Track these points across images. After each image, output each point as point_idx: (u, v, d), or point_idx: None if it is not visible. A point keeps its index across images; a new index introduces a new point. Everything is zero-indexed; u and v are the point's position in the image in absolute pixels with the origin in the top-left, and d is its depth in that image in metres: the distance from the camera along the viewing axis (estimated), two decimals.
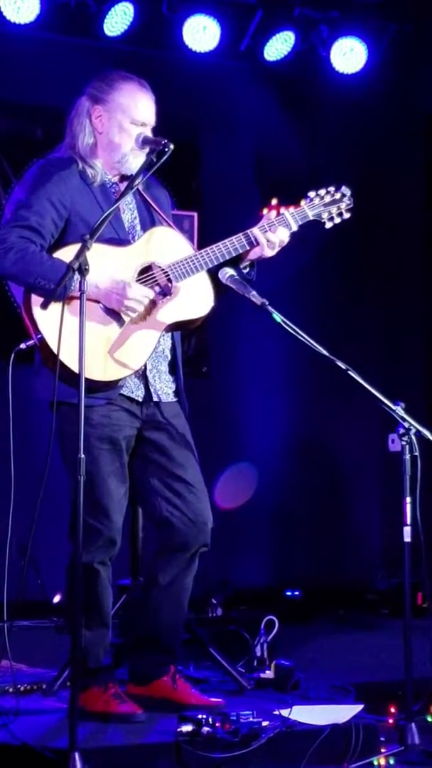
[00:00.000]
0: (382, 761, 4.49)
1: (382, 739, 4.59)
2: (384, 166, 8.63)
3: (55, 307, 4.30)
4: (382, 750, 4.53)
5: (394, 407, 4.61)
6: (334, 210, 4.88)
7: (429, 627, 4.82)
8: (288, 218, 4.80)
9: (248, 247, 4.73)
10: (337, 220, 4.89)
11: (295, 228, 4.81)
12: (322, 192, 4.89)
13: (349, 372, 4.54)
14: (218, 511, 7.21)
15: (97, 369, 4.47)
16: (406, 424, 4.60)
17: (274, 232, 4.75)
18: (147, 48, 7.94)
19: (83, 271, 4.18)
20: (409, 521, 4.61)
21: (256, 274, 4.81)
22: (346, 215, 4.90)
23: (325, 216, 4.87)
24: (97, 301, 4.51)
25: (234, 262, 4.74)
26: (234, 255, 4.70)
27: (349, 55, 8.27)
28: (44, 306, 4.29)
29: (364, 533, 8.56)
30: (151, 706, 4.61)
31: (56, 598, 7.17)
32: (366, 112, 8.53)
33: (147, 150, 4.57)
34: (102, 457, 4.58)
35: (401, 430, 4.62)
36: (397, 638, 4.67)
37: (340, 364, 4.53)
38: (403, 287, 8.54)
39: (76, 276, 4.23)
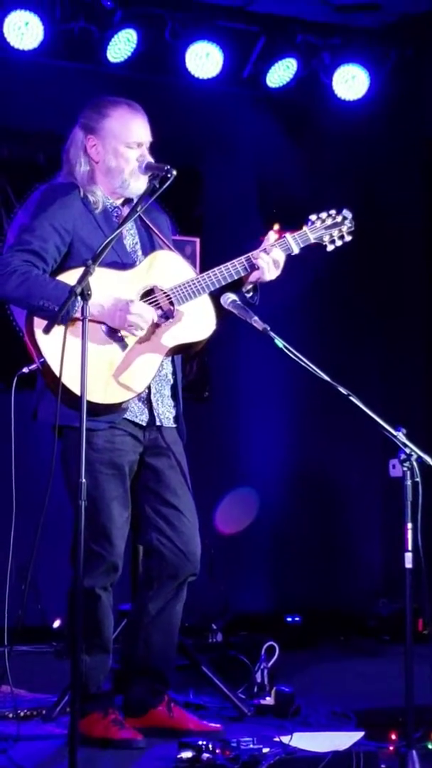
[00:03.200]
0: None
1: (383, 766, 4.57)
2: (385, 191, 8.65)
3: (57, 330, 4.30)
4: None
5: (395, 433, 4.60)
6: (335, 233, 4.90)
7: (430, 653, 4.80)
8: (290, 241, 4.83)
9: (249, 270, 4.74)
10: (339, 243, 4.92)
11: (296, 251, 4.84)
12: (324, 215, 4.91)
13: (351, 397, 4.54)
14: (219, 536, 7.23)
15: (100, 392, 4.48)
16: (407, 450, 4.59)
17: (271, 254, 4.74)
18: (150, 74, 7.98)
19: (86, 296, 4.19)
20: (410, 547, 4.60)
21: (259, 298, 4.82)
22: (348, 238, 4.93)
23: (326, 239, 4.90)
24: (101, 323, 4.51)
25: (237, 285, 4.75)
26: (235, 278, 4.72)
27: (351, 81, 8.29)
28: (47, 330, 4.29)
29: (365, 559, 8.54)
30: (149, 736, 4.60)
31: (56, 623, 7.16)
32: (367, 139, 8.55)
33: (149, 174, 4.58)
34: (106, 483, 4.58)
35: (402, 456, 4.60)
36: (398, 664, 4.65)
37: (341, 389, 4.53)
38: (403, 312, 8.54)
39: (79, 300, 4.23)
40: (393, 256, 8.60)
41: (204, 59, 7.91)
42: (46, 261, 4.57)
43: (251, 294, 4.82)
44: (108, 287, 4.53)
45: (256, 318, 4.65)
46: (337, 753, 4.46)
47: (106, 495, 4.58)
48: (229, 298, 4.69)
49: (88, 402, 4.21)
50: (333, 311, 8.57)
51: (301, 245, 4.86)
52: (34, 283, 4.46)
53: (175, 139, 4.97)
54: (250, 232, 8.00)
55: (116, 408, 4.55)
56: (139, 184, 4.69)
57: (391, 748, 4.74)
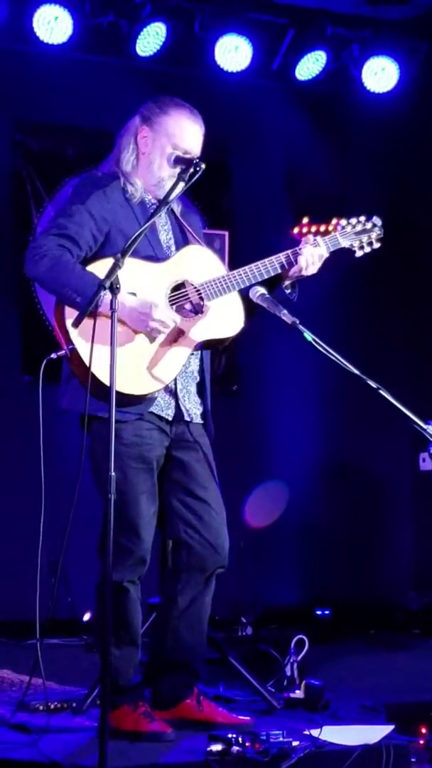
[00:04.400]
0: None
1: (413, 759, 4.57)
2: (415, 184, 8.63)
3: (87, 319, 4.31)
4: None
5: (425, 426, 4.59)
6: (364, 239, 4.94)
7: None
8: (321, 243, 4.85)
9: (281, 270, 4.75)
10: (367, 249, 4.96)
11: (326, 253, 4.85)
12: (354, 221, 4.95)
13: (380, 391, 4.53)
14: (248, 530, 7.23)
15: (126, 382, 4.47)
16: None
17: (316, 249, 4.81)
18: (179, 68, 7.98)
19: (114, 290, 4.18)
20: None
21: (297, 295, 4.81)
22: (376, 245, 4.96)
23: (356, 244, 4.94)
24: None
25: (274, 283, 4.75)
26: (266, 277, 4.72)
27: (380, 74, 8.28)
28: (76, 324, 4.30)
29: (395, 552, 8.53)
30: (179, 729, 4.61)
31: (86, 617, 7.17)
32: (397, 131, 8.53)
33: (179, 170, 4.58)
34: (135, 477, 4.59)
35: None
36: (428, 658, 4.65)
37: (370, 383, 4.52)
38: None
39: (108, 293, 4.23)
40: (423, 249, 8.58)
41: (233, 52, 7.91)
42: (80, 246, 4.56)
43: (290, 291, 4.82)
44: (139, 278, 4.54)
45: (285, 311, 4.65)
46: (367, 747, 4.45)
47: (134, 489, 4.58)
48: (257, 292, 4.69)
49: (116, 393, 4.21)
50: (362, 305, 8.56)
51: (332, 249, 4.89)
52: (63, 270, 4.46)
53: (203, 132, 4.95)
54: (278, 224, 8.00)
55: (143, 399, 4.55)
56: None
57: (422, 742, 4.73)
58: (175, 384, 4.66)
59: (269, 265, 4.72)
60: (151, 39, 7.74)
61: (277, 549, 8.11)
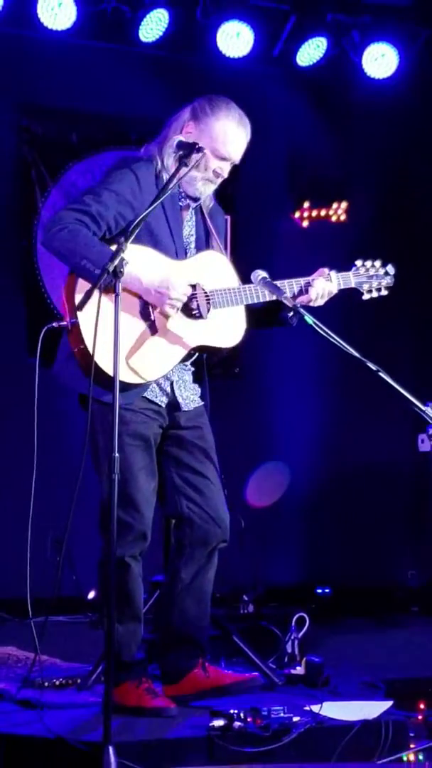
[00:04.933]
0: (412, 757, 4.48)
1: (412, 734, 4.59)
2: (413, 168, 8.62)
3: (94, 299, 4.30)
4: (412, 746, 4.53)
5: (424, 408, 4.59)
6: (374, 284, 4.89)
7: None
8: (333, 278, 4.80)
9: (290, 294, 4.72)
10: (375, 294, 4.91)
11: (335, 290, 4.81)
12: (368, 263, 4.90)
13: (380, 373, 4.53)
14: (250, 509, 7.24)
15: (126, 370, 4.50)
16: None
17: (327, 284, 4.76)
18: (181, 54, 7.97)
19: (118, 273, 4.19)
20: None
21: (297, 321, 4.79)
22: (384, 293, 4.92)
23: (365, 287, 4.89)
24: (138, 296, 4.51)
25: (279, 306, 4.74)
26: (275, 298, 4.68)
27: (380, 60, 8.26)
28: (81, 306, 4.29)
29: (395, 531, 8.54)
30: (192, 702, 4.63)
31: (91, 594, 7.19)
32: (397, 117, 8.52)
33: (180, 152, 4.53)
34: (133, 454, 4.60)
35: (431, 431, 4.61)
36: (427, 635, 4.67)
37: (370, 365, 4.52)
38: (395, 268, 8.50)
39: (127, 268, 4.24)
40: (424, 233, 8.57)
41: (235, 38, 7.90)
42: (99, 226, 4.54)
43: (291, 315, 4.79)
44: (155, 271, 4.54)
45: (286, 294, 4.66)
46: (367, 722, 4.46)
47: (133, 465, 4.59)
48: (259, 276, 4.68)
49: (106, 375, 4.29)
50: None
51: (342, 286, 4.84)
52: (80, 242, 4.44)
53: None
54: (280, 208, 8.01)
55: (132, 387, 4.57)
56: (205, 189, 4.70)
57: (420, 717, 4.76)
58: (172, 374, 4.68)
59: (288, 288, 4.71)
60: (153, 25, 7.73)
61: (278, 528, 8.12)
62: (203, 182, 4.68)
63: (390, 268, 4.92)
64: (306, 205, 8.41)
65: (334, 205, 8.55)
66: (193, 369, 4.77)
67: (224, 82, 7.82)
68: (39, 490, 4.60)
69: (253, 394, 8.24)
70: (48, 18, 7.47)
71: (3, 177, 7.87)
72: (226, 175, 4.72)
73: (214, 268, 4.70)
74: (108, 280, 4.21)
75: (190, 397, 4.76)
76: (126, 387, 4.52)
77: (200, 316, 4.62)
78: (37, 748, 4.19)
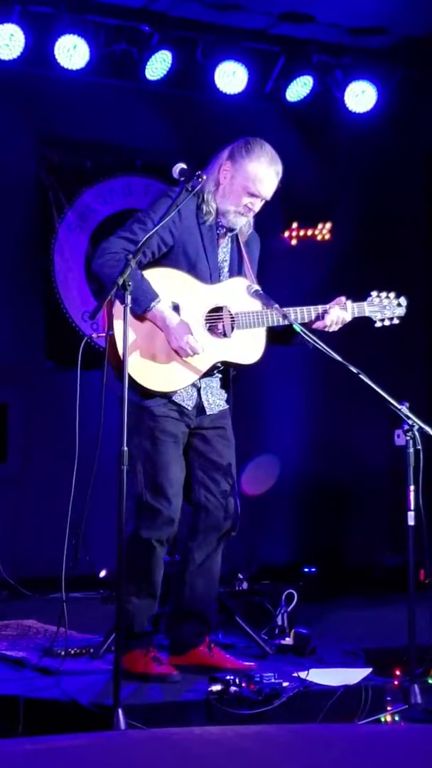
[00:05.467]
0: (388, 718, 4.49)
1: (389, 698, 4.59)
2: (391, 192, 8.62)
3: (132, 317, 4.42)
4: (389, 708, 4.53)
5: (399, 406, 4.61)
6: (387, 313, 4.85)
7: (430, 600, 4.81)
8: (348, 307, 4.78)
9: (313, 320, 4.72)
10: (387, 323, 4.86)
11: (349, 318, 4.78)
12: (383, 294, 4.85)
13: (360, 375, 4.54)
14: (245, 497, 7.22)
15: (154, 380, 4.56)
16: (410, 422, 4.60)
17: (342, 313, 4.74)
18: (183, 90, 7.97)
19: (126, 287, 4.21)
20: (412, 507, 4.61)
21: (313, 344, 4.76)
22: (396, 321, 4.86)
23: (377, 316, 4.84)
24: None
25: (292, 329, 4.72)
26: (298, 322, 4.68)
27: (360, 96, 8.26)
28: (92, 316, 4.33)
29: (374, 517, 8.54)
30: (192, 673, 4.62)
31: (102, 573, 7.19)
32: (375, 147, 8.52)
33: (182, 178, 4.53)
34: (165, 447, 4.61)
35: (406, 427, 4.62)
36: (401, 610, 4.66)
37: (352, 368, 4.53)
38: (408, 302, 8.50)
39: (157, 303, 4.43)
40: (397, 248, 8.57)
41: (231, 77, 7.90)
42: (144, 254, 4.55)
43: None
44: (187, 293, 4.59)
45: (277, 306, 4.65)
46: (349, 687, 4.47)
47: (165, 458, 4.61)
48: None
49: (140, 386, 4.46)
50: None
51: (356, 315, 4.80)
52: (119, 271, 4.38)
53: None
54: (272, 229, 8.00)
55: (162, 395, 4.60)
56: (238, 221, 4.71)
57: (396, 682, 4.76)
58: (199, 381, 4.70)
59: (299, 314, 4.70)
60: (158, 65, 7.73)
61: (270, 514, 8.12)
62: (235, 215, 4.69)
63: (402, 300, 4.87)
64: (294, 225, 8.42)
65: (320, 226, 8.55)
66: (220, 376, 4.79)
67: (221, 115, 7.86)
68: (60, 481, 4.61)
69: (248, 394, 8.22)
70: (64, 59, 7.47)
71: (24, 200, 7.87)
72: (256, 209, 4.72)
73: (241, 292, 4.70)
74: (119, 294, 4.24)
75: (216, 401, 4.77)
76: (156, 394, 4.59)
77: (225, 335, 4.63)
78: (55, 710, 4.19)
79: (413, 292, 4.96)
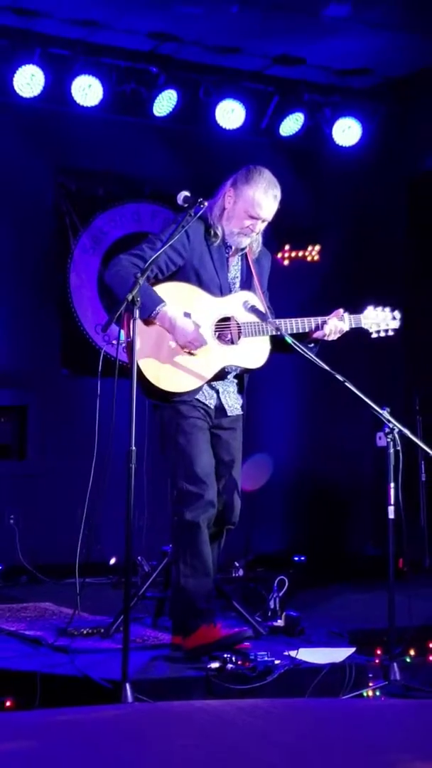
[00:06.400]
0: (370, 693, 4.48)
1: (370, 675, 4.57)
2: (374, 218, 8.62)
3: (146, 326, 4.50)
4: (370, 684, 4.52)
5: (381, 411, 4.60)
6: (382, 325, 4.85)
7: (407, 586, 4.81)
8: (345, 319, 4.78)
9: (309, 330, 4.71)
10: (383, 334, 4.87)
11: (347, 328, 4.78)
12: (379, 309, 4.86)
13: (346, 383, 4.54)
14: (241, 492, 7.22)
15: (169, 383, 4.59)
16: (390, 425, 4.59)
17: (339, 323, 4.74)
18: (187, 125, 7.98)
19: (135, 302, 4.22)
20: (392, 502, 4.60)
21: (318, 350, 4.79)
22: (391, 333, 4.87)
23: (373, 328, 4.85)
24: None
25: (302, 337, 4.72)
26: (296, 331, 4.69)
27: (347, 131, 8.27)
28: (105, 329, 4.34)
29: (357, 511, 8.54)
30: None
31: (112, 560, 7.17)
32: (360, 177, 8.53)
33: (186, 204, 4.53)
34: (195, 439, 4.62)
35: (387, 430, 4.61)
36: (382, 595, 4.65)
37: (338, 376, 4.53)
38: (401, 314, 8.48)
39: (164, 307, 4.45)
40: (378, 269, 8.57)
41: (230, 113, 7.91)
42: (152, 270, 4.56)
43: (312, 345, 4.78)
44: (198, 305, 4.60)
45: (270, 319, 4.66)
46: (334, 665, 4.47)
47: (197, 447, 4.61)
48: (248, 304, 4.69)
49: (156, 388, 4.49)
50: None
51: (353, 326, 4.81)
52: (128, 285, 4.36)
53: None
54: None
55: (179, 395, 4.60)
56: (243, 241, 4.71)
57: (377, 661, 4.74)
58: (217, 384, 4.71)
59: (300, 324, 4.70)
60: (164, 102, 7.74)
61: (264, 507, 8.10)
62: (239, 236, 4.70)
63: (397, 314, 4.88)
64: (287, 247, 8.42)
65: (309, 248, 8.55)
66: (236, 381, 4.79)
67: (221, 148, 7.87)
68: (74, 477, 4.59)
69: (246, 399, 8.22)
70: (80, 96, 7.49)
71: (44, 224, 7.87)
72: (257, 230, 4.72)
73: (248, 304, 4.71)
74: (129, 308, 4.24)
75: (233, 405, 4.79)
76: (170, 395, 4.60)
77: (232, 342, 4.63)
78: (69, 685, 4.18)
79: (392, 305, 4.96)
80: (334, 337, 4.75)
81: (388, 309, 4.87)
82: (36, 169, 7.77)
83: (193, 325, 4.55)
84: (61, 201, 7.94)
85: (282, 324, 4.66)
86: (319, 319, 4.73)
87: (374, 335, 4.86)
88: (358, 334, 4.87)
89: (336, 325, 4.73)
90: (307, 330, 4.71)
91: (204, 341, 4.56)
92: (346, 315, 4.78)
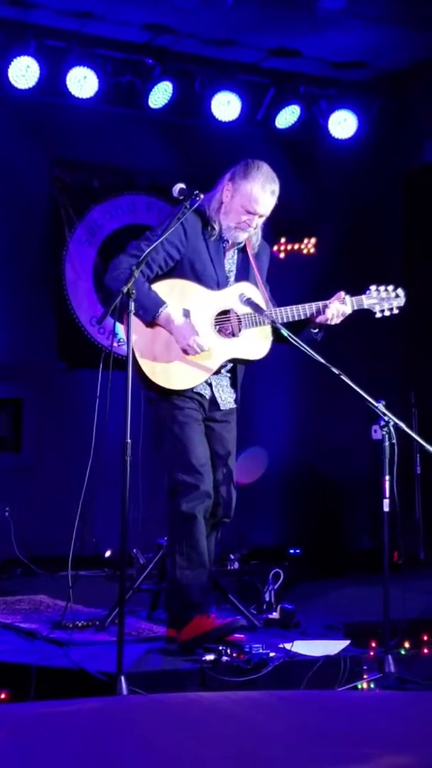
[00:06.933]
0: (365, 685, 4.49)
1: (365, 667, 4.59)
2: (369, 210, 8.62)
3: (138, 323, 4.51)
4: (365, 676, 4.53)
5: (376, 404, 4.60)
6: (386, 305, 4.78)
7: (403, 579, 4.82)
8: (347, 301, 4.73)
9: (310, 316, 4.68)
10: (387, 314, 4.80)
11: (349, 311, 4.73)
12: (382, 288, 4.79)
13: (341, 376, 4.54)
14: (236, 485, 7.23)
15: (173, 380, 4.58)
16: (386, 418, 4.60)
17: (342, 306, 4.69)
18: (183, 117, 7.97)
19: (130, 294, 4.21)
20: (387, 495, 4.61)
21: (322, 335, 4.77)
22: (396, 311, 4.80)
23: (377, 308, 4.78)
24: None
25: (304, 323, 4.70)
26: (297, 318, 4.66)
27: (343, 124, 8.27)
28: (99, 322, 4.35)
29: (353, 504, 8.54)
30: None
31: (107, 553, 7.18)
32: (355, 169, 8.52)
33: (182, 197, 4.52)
34: (190, 430, 4.61)
35: (382, 423, 4.61)
36: (377, 588, 4.66)
37: (334, 369, 4.53)
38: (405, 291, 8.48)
39: (166, 308, 4.47)
40: (375, 261, 8.58)
41: (226, 106, 7.90)
42: (151, 268, 4.56)
43: (316, 331, 4.76)
44: (196, 300, 4.58)
45: (266, 313, 4.65)
46: (329, 657, 4.47)
47: (191, 440, 4.61)
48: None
49: (160, 387, 4.50)
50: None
51: (356, 307, 4.75)
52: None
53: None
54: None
55: (180, 392, 4.61)
56: (241, 235, 4.68)
57: (372, 653, 4.75)
58: (211, 381, 4.70)
59: (301, 310, 4.67)
60: (160, 94, 7.73)
61: (259, 500, 8.11)
62: (236, 230, 4.68)
63: (400, 291, 4.81)
64: (283, 240, 8.42)
65: (305, 241, 8.55)
66: (229, 375, 4.78)
67: (217, 141, 7.86)
68: (69, 470, 4.59)
69: (241, 393, 8.23)
70: (76, 88, 7.47)
71: (39, 216, 7.87)
72: (253, 225, 4.68)
73: (246, 295, 4.69)
74: (123, 300, 4.23)
75: (227, 398, 4.77)
76: (174, 393, 4.60)
77: (233, 335, 4.62)
78: (64, 677, 4.19)
79: (395, 286, 4.93)
80: (337, 320, 4.70)
81: (391, 287, 4.80)
82: (31, 162, 7.75)
83: (193, 330, 4.54)
84: (56, 193, 7.93)
85: (281, 313, 4.64)
86: (320, 304, 4.69)
87: (378, 315, 4.79)
88: (357, 319, 4.82)
89: (338, 308, 4.69)
90: (308, 316, 4.67)
91: (203, 347, 4.55)
92: (347, 297, 4.73)
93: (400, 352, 8.52)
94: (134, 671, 4.14)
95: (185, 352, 4.56)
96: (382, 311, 4.79)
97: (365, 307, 4.78)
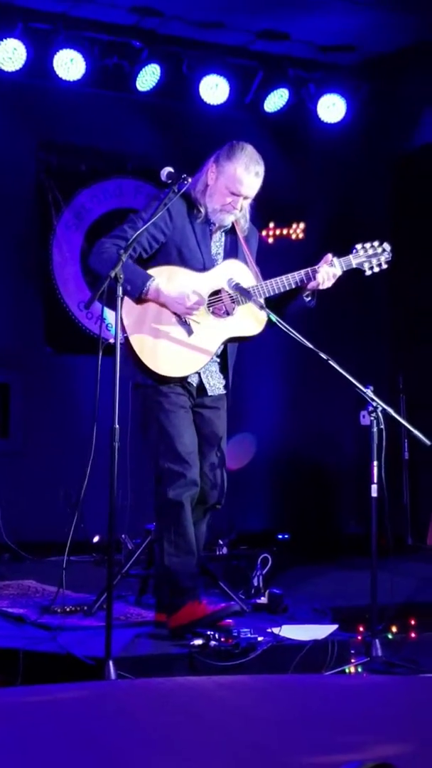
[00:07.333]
0: (352, 669, 4.51)
1: (353, 652, 4.61)
2: (358, 195, 8.62)
3: (133, 309, 4.48)
4: (353, 660, 4.55)
5: (365, 390, 4.62)
6: (374, 261, 4.78)
7: (390, 564, 4.84)
8: (335, 263, 4.72)
9: (301, 283, 4.66)
10: (376, 270, 4.79)
11: (339, 272, 4.72)
12: (367, 245, 4.79)
13: (330, 362, 4.55)
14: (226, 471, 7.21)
15: (168, 367, 4.56)
16: (374, 404, 4.62)
17: (331, 268, 4.68)
18: (171, 101, 7.94)
19: (118, 279, 4.20)
20: (375, 480, 4.63)
21: (315, 302, 4.76)
22: (384, 266, 4.79)
23: (366, 266, 4.78)
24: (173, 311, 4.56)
25: (296, 293, 4.69)
26: (288, 288, 4.64)
27: (331, 108, 8.25)
28: (88, 306, 4.33)
29: (341, 489, 8.57)
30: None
31: (95, 539, 7.18)
32: (344, 154, 8.51)
33: (170, 180, 4.51)
34: (176, 418, 4.60)
35: (370, 408, 4.63)
36: (364, 573, 4.69)
37: (322, 355, 4.54)
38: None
39: (153, 282, 4.41)
40: (362, 242, 8.56)
41: (214, 89, 7.87)
42: (135, 250, 4.53)
43: (309, 299, 4.75)
44: (186, 284, 4.54)
45: (254, 298, 4.65)
46: (317, 641, 4.50)
47: (179, 427, 4.60)
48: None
49: (158, 375, 4.48)
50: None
51: (344, 268, 4.74)
52: (112, 263, 4.35)
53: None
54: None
55: (176, 379, 4.60)
56: (227, 218, 4.67)
57: (359, 637, 4.78)
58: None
59: (291, 279, 4.66)
60: (148, 77, 7.70)
61: (248, 486, 8.12)
62: (221, 213, 4.66)
63: (386, 245, 4.80)
64: (271, 225, 8.42)
65: (294, 226, 8.55)
66: (218, 361, 4.75)
67: (205, 124, 7.84)
68: (55, 454, 4.59)
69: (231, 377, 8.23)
70: (63, 71, 7.44)
71: (26, 200, 7.84)
72: (238, 207, 4.65)
73: (234, 273, 4.66)
74: (111, 284, 4.22)
75: (216, 384, 4.75)
76: (173, 380, 4.59)
77: (228, 314, 4.61)
78: (52, 662, 4.20)
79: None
80: (328, 284, 4.67)
81: (376, 243, 4.79)
82: (18, 145, 7.72)
83: (185, 291, 4.50)
84: (43, 177, 7.90)
85: (271, 285, 4.62)
86: (310, 270, 4.67)
87: (368, 272, 4.77)
88: (346, 304, 4.83)
89: (328, 271, 4.66)
90: (298, 284, 4.65)
91: (202, 302, 4.52)
92: (335, 259, 4.71)
93: (389, 337, 8.54)
94: (122, 656, 4.16)
95: (186, 317, 4.51)
96: (371, 268, 4.78)
97: (354, 266, 4.76)
